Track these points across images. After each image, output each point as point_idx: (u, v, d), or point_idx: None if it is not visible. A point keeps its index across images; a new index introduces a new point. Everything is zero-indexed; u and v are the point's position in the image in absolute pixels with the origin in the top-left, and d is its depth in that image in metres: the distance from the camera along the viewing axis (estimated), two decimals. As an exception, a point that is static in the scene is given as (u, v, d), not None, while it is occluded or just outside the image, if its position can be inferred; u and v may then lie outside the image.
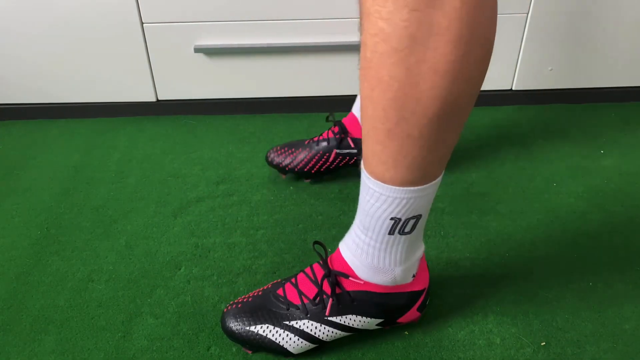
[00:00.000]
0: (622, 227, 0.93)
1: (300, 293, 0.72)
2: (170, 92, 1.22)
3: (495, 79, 1.23)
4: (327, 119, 1.02)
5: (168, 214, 0.97)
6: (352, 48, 1.13)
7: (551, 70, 1.21)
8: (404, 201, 0.60)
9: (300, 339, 0.71)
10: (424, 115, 0.53)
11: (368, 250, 0.67)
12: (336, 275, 0.70)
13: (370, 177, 0.60)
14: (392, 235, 0.64)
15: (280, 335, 0.71)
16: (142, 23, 1.11)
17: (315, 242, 0.73)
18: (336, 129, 0.99)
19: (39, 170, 1.08)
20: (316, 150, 0.99)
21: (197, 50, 1.14)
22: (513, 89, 1.24)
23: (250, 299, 0.74)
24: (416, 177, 0.59)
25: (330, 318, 0.71)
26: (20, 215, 0.97)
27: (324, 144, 0.99)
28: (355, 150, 0.99)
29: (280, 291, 0.73)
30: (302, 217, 0.95)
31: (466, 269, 0.85)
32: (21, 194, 1.02)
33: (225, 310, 0.74)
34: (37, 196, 1.01)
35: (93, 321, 0.78)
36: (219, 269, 0.86)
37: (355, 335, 0.75)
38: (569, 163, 1.08)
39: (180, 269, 0.86)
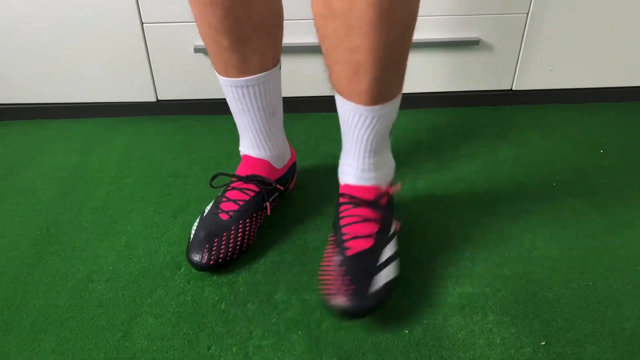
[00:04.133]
0: (622, 226, 0.93)
1: (369, 235, 0.79)
2: (170, 92, 1.22)
3: (495, 79, 1.23)
4: (212, 184, 0.89)
5: (168, 214, 0.97)
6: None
7: (551, 70, 1.21)
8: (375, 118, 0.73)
9: (397, 258, 0.81)
10: (365, 21, 0.63)
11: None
12: (380, 198, 0.81)
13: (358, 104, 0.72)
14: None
15: (393, 267, 0.78)
16: (142, 23, 1.11)
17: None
18: (254, 187, 0.89)
19: (39, 170, 1.08)
20: (244, 218, 0.87)
21: (197, 50, 1.14)
22: (513, 89, 1.24)
23: (341, 277, 0.75)
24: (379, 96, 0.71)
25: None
26: (20, 215, 0.97)
27: (248, 207, 0.87)
28: (282, 189, 0.93)
29: (350, 251, 0.77)
30: (302, 217, 0.95)
31: (466, 268, 0.85)
32: (21, 194, 1.02)
33: (335, 301, 0.73)
34: (37, 196, 1.01)
35: (93, 321, 0.78)
36: (219, 269, 0.86)
37: (355, 335, 0.76)
38: (568, 163, 1.08)
39: (180, 269, 0.86)
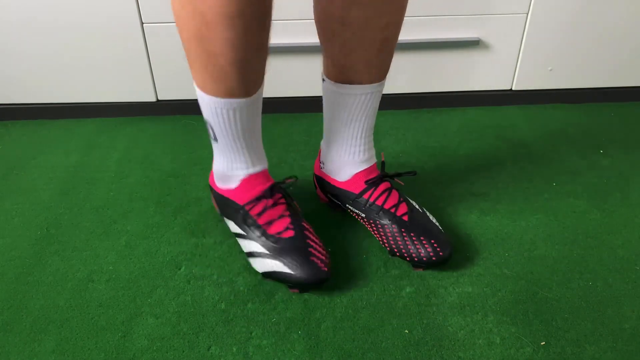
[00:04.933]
0: (622, 227, 0.93)
1: (400, 200, 0.88)
2: (170, 92, 1.22)
3: (495, 79, 1.23)
4: (286, 183, 0.88)
5: (168, 214, 0.97)
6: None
7: (551, 70, 1.21)
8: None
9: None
10: None
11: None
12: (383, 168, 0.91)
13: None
14: None
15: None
16: (142, 23, 1.11)
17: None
18: (279, 194, 0.86)
19: (39, 170, 1.08)
20: (300, 221, 0.84)
21: (197, 50, 1.13)
22: (513, 89, 1.24)
23: (417, 238, 0.84)
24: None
25: None
26: (20, 215, 0.97)
27: (291, 211, 0.85)
28: (290, 181, 0.89)
29: (405, 217, 0.86)
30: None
31: (466, 268, 0.85)
32: (21, 194, 1.02)
33: (440, 256, 0.82)
34: (37, 196, 1.01)
35: (93, 321, 0.78)
36: (219, 269, 0.86)
37: (355, 335, 0.76)
38: (568, 163, 1.08)
39: (180, 269, 0.86)
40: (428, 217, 0.88)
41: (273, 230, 0.82)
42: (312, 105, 1.23)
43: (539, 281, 0.83)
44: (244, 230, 0.84)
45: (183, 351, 0.74)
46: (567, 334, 0.76)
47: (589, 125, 1.19)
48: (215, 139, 0.80)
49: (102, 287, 0.83)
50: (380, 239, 0.87)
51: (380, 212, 0.86)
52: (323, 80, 0.82)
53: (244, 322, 0.78)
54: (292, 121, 1.21)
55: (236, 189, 0.85)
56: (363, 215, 0.89)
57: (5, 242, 0.92)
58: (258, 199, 0.84)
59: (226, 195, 0.86)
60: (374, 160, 0.90)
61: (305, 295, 0.81)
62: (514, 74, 1.22)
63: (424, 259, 0.83)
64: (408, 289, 0.82)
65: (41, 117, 1.24)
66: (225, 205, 0.87)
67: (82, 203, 0.99)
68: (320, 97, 1.28)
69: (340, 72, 0.77)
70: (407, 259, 0.84)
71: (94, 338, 0.76)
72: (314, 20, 0.78)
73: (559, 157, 1.09)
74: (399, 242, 0.84)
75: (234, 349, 0.74)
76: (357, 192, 0.88)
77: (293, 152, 1.12)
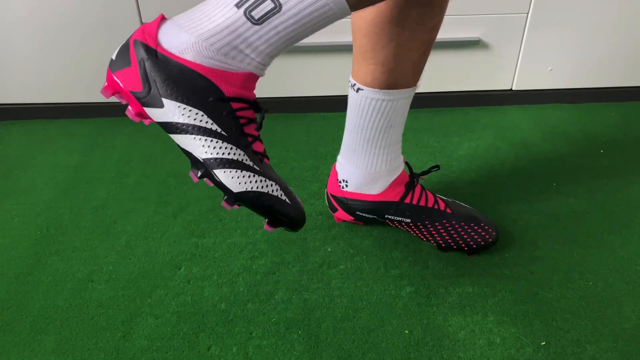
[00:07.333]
0: (622, 226, 0.93)
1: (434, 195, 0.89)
2: (170, 92, 1.22)
3: (495, 79, 1.23)
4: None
5: (168, 214, 0.97)
6: (351, 48, 1.13)
7: (551, 70, 1.21)
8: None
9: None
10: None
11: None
12: None
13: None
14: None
15: None
16: (142, 23, 1.11)
17: None
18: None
19: (39, 170, 1.08)
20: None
21: (197, 50, 1.13)
22: (513, 89, 1.24)
23: (473, 223, 0.87)
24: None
25: None
26: (20, 215, 0.97)
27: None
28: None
29: (450, 209, 0.87)
30: (302, 217, 0.95)
31: (466, 268, 0.85)
32: (21, 194, 1.02)
33: (494, 235, 0.87)
34: (37, 196, 1.01)
35: (93, 321, 0.78)
36: (219, 269, 0.86)
37: (355, 335, 0.76)
38: (569, 163, 1.08)
39: (180, 269, 0.86)
40: (461, 204, 0.89)
41: (256, 147, 0.65)
42: (312, 105, 1.23)
43: (539, 281, 0.83)
44: (223, 129, 0.63)
45: (183, 351, 0.74)
46: (567, 334, 0.76)
47: (589, 125, 1.19)
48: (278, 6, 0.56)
49: (102, 287, 0.83)
50: (427, 238, 0.87)
51: (427, 212, 0.86)
52: (357, 90, 0.78)
53: (244, 322, 0.78)
54: (292, 121, 1.21)
55: (227, 73, 0.61)
56: (408, 220, 0.87)
57: (5, 242, 0.92)
58: (249, 102, 0.63)
59: (200, 71, 0.60)
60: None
61: (305, 295, 0.81)
62: (514, 74, 1.22)
63: (482, 243, 0.85)
64: (408, 289, 0.82)
65: (41, 117, 1.24)
66: (186, 83, 0.62)
67: (82, 203, 0.99)
68: (320, 97, 1.27)
69: (387, 77, 0.76)
70: (465, 248, 0.86)
71: (94, 338, 0.76)
72: (361, 31, 0.76)
73: (559, 157, 1.09)
74: (453, 235, 0.85)
75: (234, 349, 0.74)
76: (397, 199, 0.86)
77: (293, 152, 1.12)
